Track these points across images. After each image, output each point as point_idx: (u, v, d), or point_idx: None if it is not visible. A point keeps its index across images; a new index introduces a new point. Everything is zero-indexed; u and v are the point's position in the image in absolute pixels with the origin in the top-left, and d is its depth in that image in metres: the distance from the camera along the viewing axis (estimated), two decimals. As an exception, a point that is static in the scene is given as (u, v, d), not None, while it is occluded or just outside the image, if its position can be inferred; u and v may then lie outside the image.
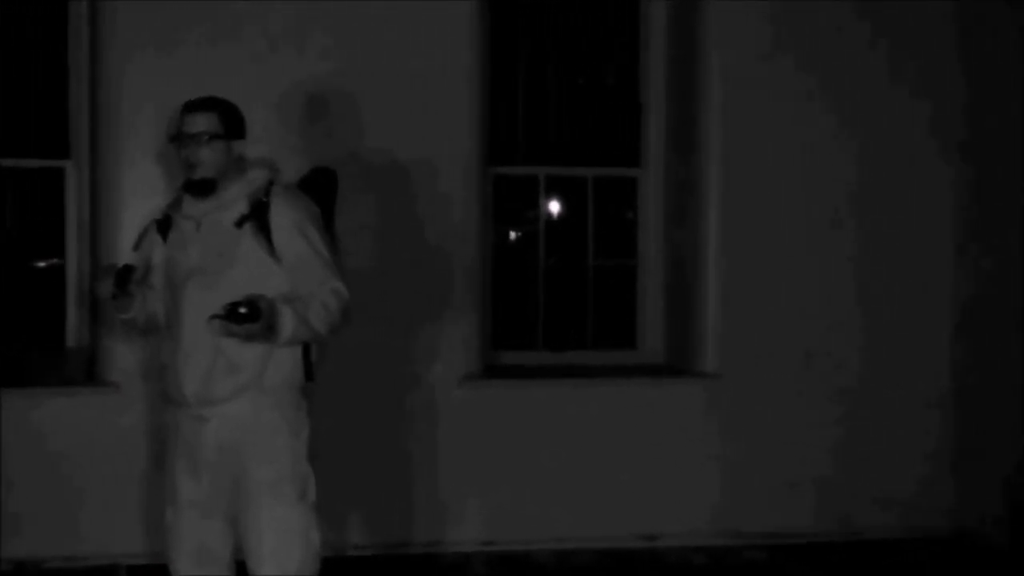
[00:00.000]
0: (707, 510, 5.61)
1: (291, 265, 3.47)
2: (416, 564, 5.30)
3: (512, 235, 6.06)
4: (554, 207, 6.03)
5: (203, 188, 3.50)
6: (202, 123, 3.48)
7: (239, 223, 3.46)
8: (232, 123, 3.53)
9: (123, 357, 5.06)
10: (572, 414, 5.52)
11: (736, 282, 5.61)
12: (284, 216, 3.47)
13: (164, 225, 3.61)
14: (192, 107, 3.52)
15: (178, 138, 3.51)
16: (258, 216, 3.46)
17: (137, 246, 3.71)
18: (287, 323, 3.33)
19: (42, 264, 5.60)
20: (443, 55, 5.34)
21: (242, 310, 3.23)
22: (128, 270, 3.50)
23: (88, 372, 5.31)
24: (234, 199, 3.49)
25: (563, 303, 6.00)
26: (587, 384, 5.63)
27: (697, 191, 5.64)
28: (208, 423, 3.46)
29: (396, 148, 5.29)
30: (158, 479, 3.68)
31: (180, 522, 3.55)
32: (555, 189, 6.00)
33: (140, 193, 5.01)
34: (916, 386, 5.74)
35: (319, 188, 3.74)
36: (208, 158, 3.47)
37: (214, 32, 5.14)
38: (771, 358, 5.64)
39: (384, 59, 5.28)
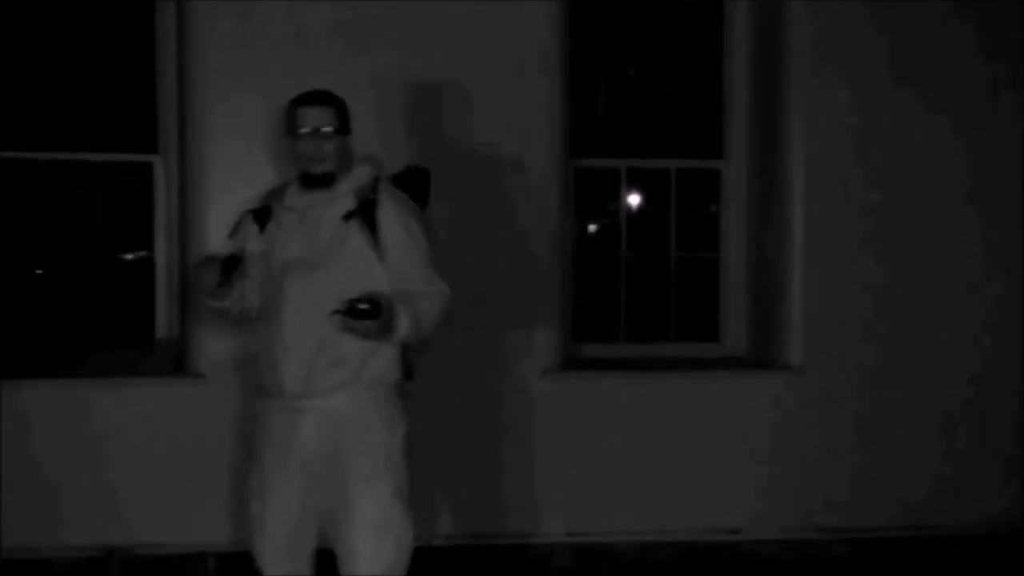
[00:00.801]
0: (790, 504, 5.57)
1: (396, 263, 3.49)
2: (501, 555, 5.32)
3: (594, 228, 6.05)
4: (636, 199, 6.01)
5: (325, 182, 3.52)
6: (324, 118, 3.51)
7: (346, 217, 3.48)
8: (346, 118, 3.58)
9: (211, 349, 5.13)
10: (654, 407, 5.51)
11: (820, 274, 5.55)
12: (392, 214, 3.50)
13: (262, 216, 3.62)
14: (311, 101, 3.54)
15: (295, 132, 3.52)
16: (365, 212, 3.48)
17: (233, 234, 3.70)
18: (403, 322, 3.34)
19: (131, 257, 5.70)
20: (525, 49, 5.35)
21: (363, 306, 3.23)
22: (235, 259, 3.50)
23: (177, 364, 5.38)
24: (341, 193, 3.52)
25: (645, 296, 5.98)
26: (669, 377, 5.61)
27: (781, 182, 5.59)
28: (305, 416, 3.47)
29: (478, 143, 5.31)
30: (245, 470, 3.68)
31: (268, 515, 3.55)
32: (637, 181, 5.98)
33: (226, 187, 5.09)
34: (1000, 382, 5.66)
35: (413, 185, 3.75)
36: (330, 153, 3.50)
37: (298, 30, 5.19)
38: (856, 351, 5.59)
39: (466, 54, 5.30)
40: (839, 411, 5.58)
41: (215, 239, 5.07)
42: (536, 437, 5.39)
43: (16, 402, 5.12)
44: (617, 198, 5.95)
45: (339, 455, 3.47)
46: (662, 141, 5.95)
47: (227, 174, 5.13)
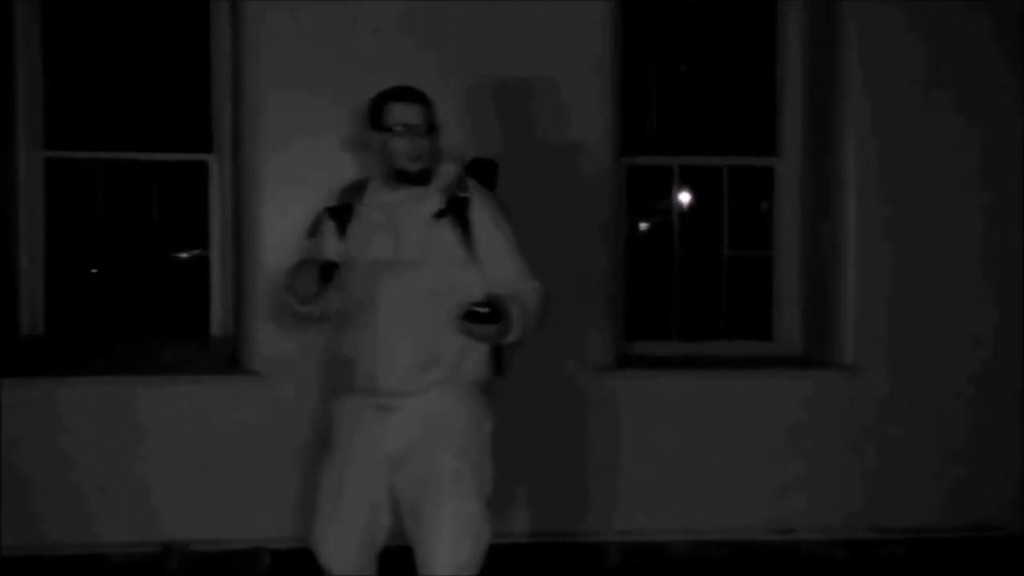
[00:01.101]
0: (845, 504, 5.52)
1: (490, 261, 3.50)
2: (553, 552, 5.32)
3: (646, 225, 6.03)
4: (688, 197, 5.99)
5: (421, 179, 3.51)
6: (421, 114, 3.50)
7: (437, 216, 3.48)
8: (435, 115, 3.56)
9: (266, 346, 5.16)
10: (706, 405, 5.48)
11: (875, 272, 5.51)
12: (484, 212, 3.51)
13: (341, 214, 3.61)
14: (408, 97, 3.53)
15: (389, 128, 3.49)
16: (456, 210, 3.49)
17: (312, 234, 3.68)
18: (517, 323, 3.37)
19: (186, 255, 5.74)
20: (576, 48, 5.34)
21: (483, 311, 3.25)
22: (333, 267, 3.47)
23: (231, 361, 5.42)
24: (431, 191, 3.51)
25: (697, 293, 5.95)
26: (721, 375, 5.58)
27: (836, 180, 5.55)
28: (396, 413, 3.46)
29: (530, 142, 5.30)
30: (304, 466, 3.69)
31: (342, 513, 3.53)
32: (689, 179, 5.95)
33: (280, 185, 5.13)
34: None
35: (481, 177, 3.73)
36: (426, 150, 3.49)
37: (352, 31, 5.20)
38: (911, 349, 5.54)
39: (517, 54, 5.30)
40: (893, 410, 5.53)
41: (269, 237, 5.13)
42: (588, 435, 5.38)
43: (73, 399, 5.18)
44: (669, 196, 5.93)
45: (428, 453, 3.47)
46: (714, 139, 5.91)
47: (281, 172, 5.15)
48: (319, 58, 5.18)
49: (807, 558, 5.36)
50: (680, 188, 5.95)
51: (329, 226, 3.62)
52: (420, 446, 3.47)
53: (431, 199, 3.51)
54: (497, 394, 3.67)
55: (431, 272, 3.45)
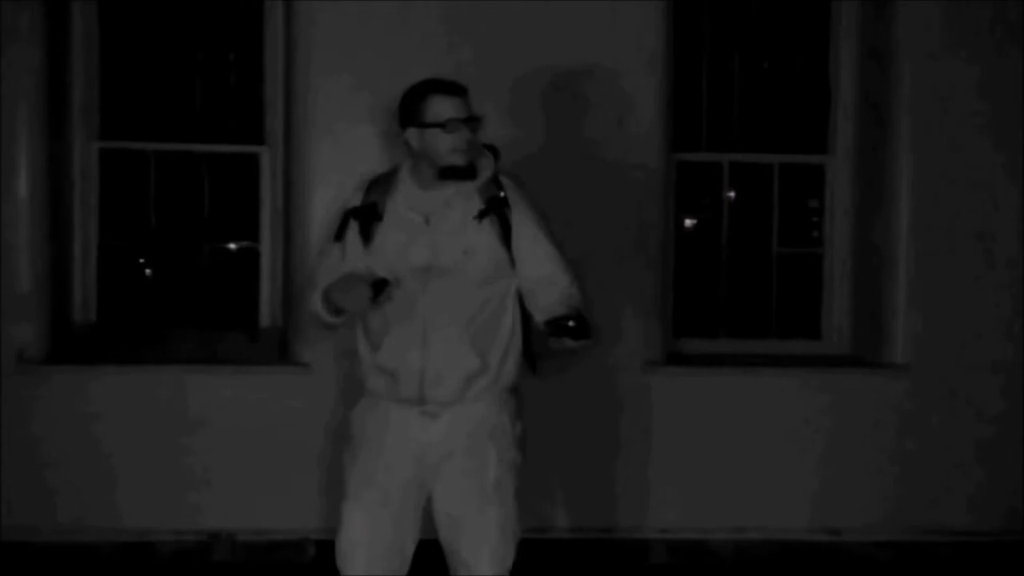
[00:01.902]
0: (892, 505, 5.50)
1: (535, 261, 3.41)
2: (597, 548, 5.32)
3: (695, 222, 6.00)
4: (738, 194, 5.95)
5: (469, 173, 3.37)
6: (466, 106, 3.37)
7: (480, 216, 3.37)
8: (473, 106, 3.43)
9: (316, 338, 5.17)
10: (754, 403, 5.47)
11: (926, 271, 5.48)
12: (525, 214, 3.42)
13: (367, 215, 3.43)
14: (452, 90, 3.38)
15: (434, 122, 3.33)
16: (497, 209, 3.38)
17: (339, 237, 3.47)
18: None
19: (236, 246, 5.78)
20: (628, 43, 5.32)
21: (571, 324, 3.17)
22: (385, 283, 3.29)
23: (281, 353, 5.45)
24: (466, 190, 3.39)
25: (746, 291, 5.92)
26: (769, 373, 5.56)
27: (887, 178, 5.51)
28: (438, 420, 3.37)
29: (580, 137, 5.30)
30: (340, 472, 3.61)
31: (374, 521, 3.41)
32: (739, 176, 5.91)
33: (330, 177, 5.13)
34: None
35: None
36: (473, 143, 3.37)
37: (401, 25, 5.21)
38: (961, 349, 5.49)
39: (569, 48, 5.29)
40: (944, 410, 5.49)
41: (318, 229, 5.13)
42: (634, 431, 5.38)
43: (123, 388, 5.24)
44: (719, 192, 5.90)
45: (471, 463, 3.40)
46: (765, 136, 5.88)
47: (331, 165, 5.17)
48: (368, 51, 5.19)
49: (852, 559, 5.34)
50: (730, 185, 5.91)
51: (355, 234, 3.45)
52: (463, 455, 3.39)
53: (471, 199, 3.39)
54: (523, 394, 3.59)
55: (475, 276, 3.35)
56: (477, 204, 3.39)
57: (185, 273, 5.72)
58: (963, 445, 5.49)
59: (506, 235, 3.39)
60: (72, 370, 5.25)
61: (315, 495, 5.15)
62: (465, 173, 3.38)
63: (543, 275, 3.44)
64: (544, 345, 3.43)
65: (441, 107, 3.34)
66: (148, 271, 5.79)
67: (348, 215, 3.47)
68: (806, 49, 5.87)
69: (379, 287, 3.26)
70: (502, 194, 3.42)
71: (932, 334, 5.48)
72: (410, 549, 3.48)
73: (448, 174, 3.37)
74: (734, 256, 5.90)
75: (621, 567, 5.23)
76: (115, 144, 5.58)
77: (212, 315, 5.70)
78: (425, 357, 3.33)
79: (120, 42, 5.59)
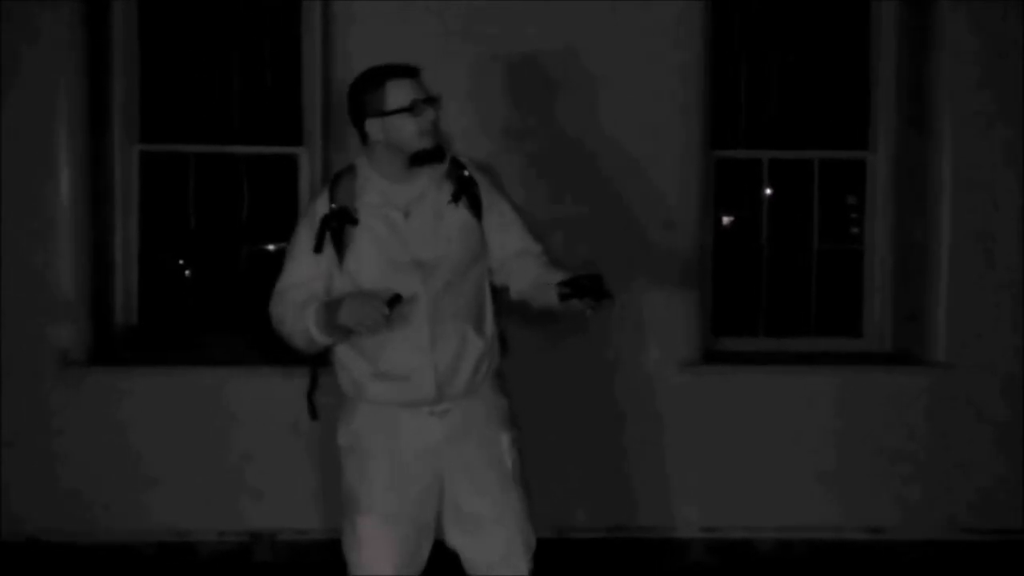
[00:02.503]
0: (934, 504, 5.45)
1: (501, 233, 3.42)
2: (637, 548, 5.31)
3: (734, 219, 5.97)
4: (778, 191, 5.91)
5: (438, 155, 3.31)
6: (426, 87, 3.30)
7: (454, 199, 3.34)
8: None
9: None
10: (793, 401, 5.43)
11: (968, 269, 5.42)
12: (488, 189, 3.43)
13: (344, 219, 3.30)
14: (411, 72, 3.30)
15: (397, 107, 3.24)
16: (467, 190, 3.37)
17: (319, 248, 3.33)
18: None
19: (275, 248, 5.80)
20: (666, 39, 5.31)
21: (584, 282, 3.10)
22: (399, 299, 3.16)
23: (320, 353, 5.39)
24: (435, 178, 3.34)
25: (786, 289, 5.88)
26: (809, 371, 5.52)
27: (929, 174, 5.45)
28: (447, 417, 3.34)
29: (618, 134, 5.28)
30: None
31: (394, 531, 3.36)
32: (779, 172, 5.87)
33: None
34: None
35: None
36: (437, 124, 3.31)
37: (439, 26, 5.21)
38: (1004, 347, 5.44)
39: (606, 44, 5.28)
40: (986, 409, 5.44)
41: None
42: (674, 430, 5.36)
43: (164, 388, 5.27)
44: (759, 189, 5.86)
45: (487, 448, 3.38)
46: (804, 132, 5.83)
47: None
48: (406, 51, 5.14)
49: (895, 558, 5.30)
50: (770, 181, 5.87)
51: (328, 246, 3.32)
52: (479, 446, 3.38)
53: (442, 185, 3.35)
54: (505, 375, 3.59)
55: (462, 260, 3.33)
56: (448, 188, 3.36)
57: (224, 275, 5.74)
58: (1008, 443, 5.43)
59: (478, 214, 3.38)
60: (113, 371, 5.29)
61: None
62: (436, 155, 3.31)
63: (519, 247, 3.46)
64: (542, 309, 3.40)
65: (402, 91, 3.26)
66: (188, 273, 5.82)
67: (325, 222, 3.32)
68: (846, 43, 5.81)
69: (393, 303, 3.13)
70: (466, 173, 3.40)
71: (975, 331, 5.43)
72: (426, 552, 3.45)
73: (421, 158, 3.30)
74: (774, 253, 5.87)
75: (660, 566, 5.22)
76: (155, 147, 5.61)
77: (251, 316, 5.71)
78: (437, 352, 3.27)
79: (159, 44, 5.62)
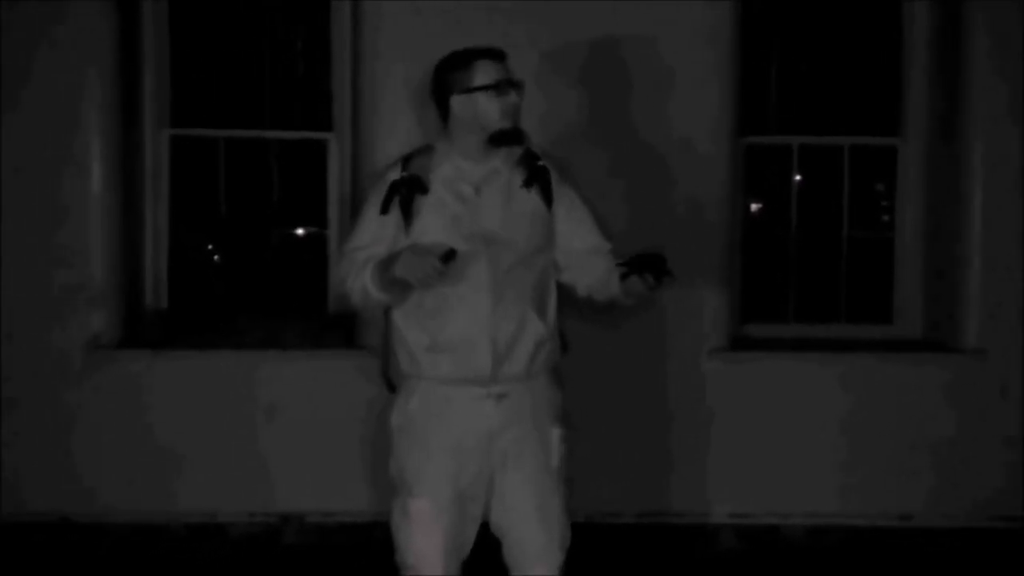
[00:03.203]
0: (965, 491, 5.43)
1: (573, 227, 3.43)
2: (666, 534, 5.31)
3: (763, 206, 5.94)
4: (807, 177, 5.88)
5: (517, 137, 3.35)
6: (511, 70, 3.35)
7: (526, 184, 3.37)
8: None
9: (382, 323, 5.18)
10: (823, 388, 5.42)
11: (999, 255, 5.39)
12: (562, 182, 3.45)
13: (415, 187, 3.33)
14: (495, 54, 3.35)
15: (481, 86, 3.29)
16: (540, 178, 3.39)
17: (386, 209, 3.34)
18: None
19: (304, 232, 5.82)
20: (695, 24, 5.29)
21: (644, 259, 3.09)
22: (454, 254, 3.12)
23: (347, 337, 5.48)
24: (508, 161, 3.38)
25: (816, 275, 5.86)
26: (838, 358, 5.49)
27: (961, 160, 5.42)
28: (503, 401, 3.32)
29: (647, 119, 5.28)
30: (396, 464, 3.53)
31: (443, 514, 3.34)
32: (809, 158, 5.84)
33: None
34: None
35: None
36: (519, 108, 3.34)
37: (467, 13, 5.20)
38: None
39: (635, 29, 5.27)
40: (1017, 396, 5.40)
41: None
42: (702, 417, 5.35)
43: (193, 372, 5.30)
44: (789, 175, 5.83)
45: (537, 442, 3.37)
46: (834, 117, 5.80)
47: (398, 150, 5.12)
48: (434, 38, 5.16)
49: (924, 545, 5.26)
50: (800, 167, 5.84)
51: (396, 210, 3.33)
52: (531, 438, 3.36)
53: (515, 170, 3.38)
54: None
55: (530, 243, 3.33)
56: (521, 173, 3.39)
57: (254, 259, 5.77)
58: (1038, 430, 5.40)
59: (549, 204, 3.40)
60: (144, 355, 5.32)
61: (384, 478, 5.16)
62: (517, 137, 3.35)
63: (588, 244, 3.46)
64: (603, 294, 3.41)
65: (489, 70, 3.31)
66: (217, 257, 5.84)
67: (394, 187, 3.36)
68: (878, 28, 5.78)
69: (447, 258, 3.11)
70: (540, 162, 3.43)
71: (1006, 317, 5.40)
72: (472, 536, 3.44)
73: (500, 138, 3.32)
74: (803, 240, 5.84)
75: (689, 552, 5.21)
76: (185, 131, 5.64)
77: (280, 300, 5.74)
78: (496, 327, 3.26)
79: (190, 30, 5.65)
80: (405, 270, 3.16)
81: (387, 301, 3.35)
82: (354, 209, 5.41)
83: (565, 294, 3.52)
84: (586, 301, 3.52)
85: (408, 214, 3.31)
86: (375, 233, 3.37)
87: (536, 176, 3.40)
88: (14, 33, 5.15)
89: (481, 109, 3.31)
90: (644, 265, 3.11)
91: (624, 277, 3.19)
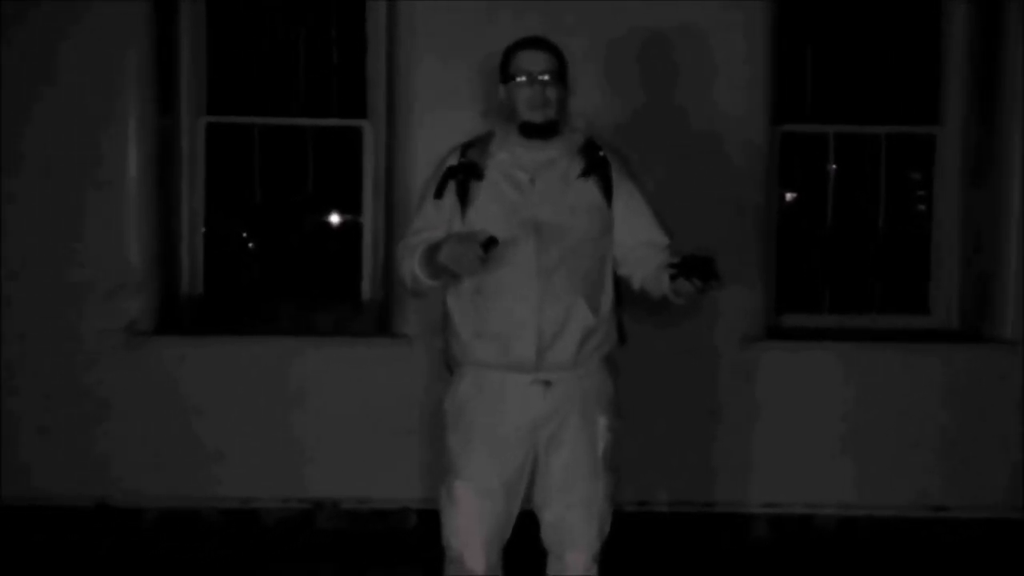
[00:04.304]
0: (1001, 481, 5.38)
1: (631, 220, 3.42)
2: (699, 522, 5.31)
3: (799, 195, 5.91)
4: (843, 166, 5.84)
5: (547, 131, 3.35)
6: (549, 62, 3.34)
7: (584, 175, 3.38)
8: (565, 67, 3.41)
9: (416, 311, 5.20)
10: (857, 378, 5.38)
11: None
12: (623, 175, 3.44)
13: (471, 173, 3.38)
14: (536, 44, 3.38)
15: (513, 78, 3.35)
16: (599, 169, 3.39)
17: (440, 194, 3.39)
18: None
19: (339, 220, 5.83)
20: (731, 12, 5.26)
21: (693, 261, 3.08)
22: (495, 242, 3.16)
23: (381, 324, 5.50)
24: (567, 150, 3.39)
25: (852, 265, 5.82)
26: (873, 348, 5.46)
27: (999, 149, 5.38)
28: (551, 389, 3.35)
29: (682, 108, 5.25)
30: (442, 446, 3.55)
31: (493, 501, 3.39)
32: (845, 147, 5.80)
33: (432, 150, 5.07)
34: None
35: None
36: (552, 100, 3.33)
37: (504, 8, 5.14)
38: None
39: (671, 19, 5.24)
40: (1054, 388, 5.36)
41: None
42: (737, 406, 5.34)
43: (229, 358, 5.33)
44: (824, 164, 5.79)
45: (583, 430, 3.39)
46: (871, 106, 5.75)
47: (433, 137, 5.12)
48: (468, 27, 5.18)
49: (958, 536, 5.24)
50: (836, 156, 5.80)
51: (450, 188, 3.39)
52: (576, 426, 3.38)
53: (571, 158, 3.38)
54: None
55: (583, 233, 3.33)
56: (580, 163, 3.39)
57: (289, 246, 5.79)
58: (1076, 423, 5.36)
59: (608, 196, 3.40)
60: (180, 341, 5.36)
61: (416, 465, 5.20)
62: (542, 130, 3.35)
63: (645, 237, 3.45)
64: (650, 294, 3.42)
65: (523, 61, 3.36)
66: (253, 244, 5.87)
67: (449, 173, 3.41)
68: (915, 15, 5.72)
69: (489, 246, 3.15)
70: (601, 153, 3.43)
71: (1044, 309, 5.36)
72: (513, 520, 3.48)
73: (527, 131, 3.35)
74: (839, 229, 5.80)
75: (722, 541, 5.21)
76: (222, 119, 5.65)
77: (315, 287, 5.76)
78: (543, 314, 3.28)
79: (226, 17, 5.66)
80: (448, 258, 3.22)
81: (436, 286, 3.41)
82: (388, 195, 5.45)
83: (625, 287, 3.54)
84: (640, 295, 3.51)
85: (464, 200, 3.36)
86: (431, 219, 3.43)
87: (595, 167, 3.40)
88: (49, 19, 5.17)
89: (512, 98, 3.37)
90: (692, 268, 3.10)
91: (673, 278, 3.19)
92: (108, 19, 5.19)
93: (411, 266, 3.38)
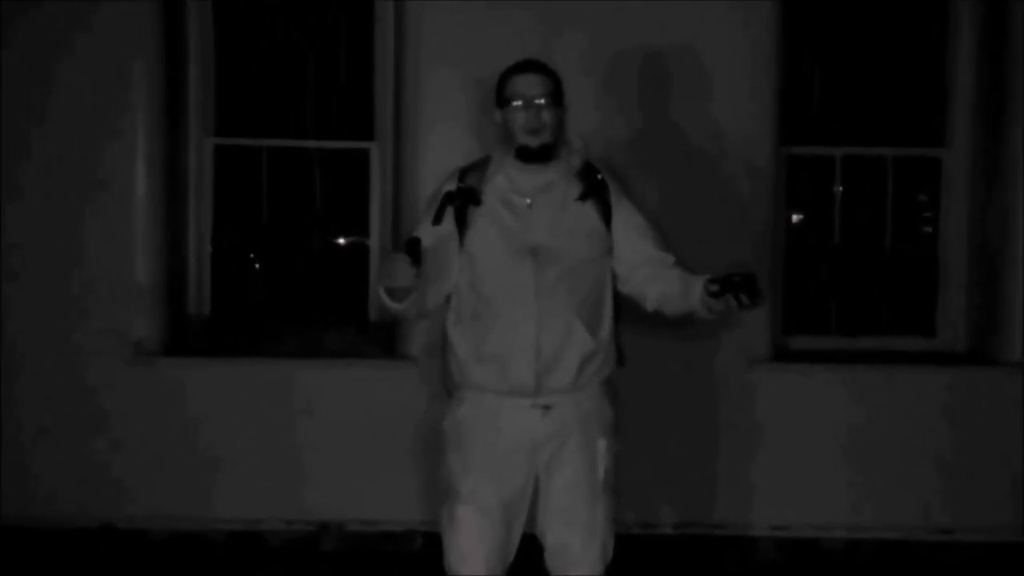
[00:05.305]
0: (1008, 505, 5.36)
1: (633, 241, 3.42)
2: (705, 545, 5.29)
3: (805, 217, 5.91)
4: (850, 187, 5.84)
5: (543, 155, 3.34)
6: (544, 85, 3.33)
7: (582, 198, 3.38)
8: (560, 89, 3.40)
9: (422, 333, 5.20)
10: (865, 400, 5.37)
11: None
12: (621, 196, 3.45)
13: (469, 198, 3.36)
14: (530, 68, 3.37)
15: (508, 102, 3.34)
16: (598, 192, 3.40)
17: (438, 219, 3.33)
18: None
19: (346, 241, 5.84)
20: (737, 32, 5.27)
21: (736, 279, 3.06)
22: (416, 243, 3.09)
23: (388, 346, 5.49)
24: (564, 173, 3.40)
25: (859, 287, 5.81)
26: (880, 370, 5.44)
27: (1006, 171, 5.38)
28: (549, 413, 3.34)
29: (687, 129, 5.26)
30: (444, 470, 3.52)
31: (485, 522, 3.36)
32: (851, 169, 5.80)
33: (439, 172, 5.08)
34: None
35: None
36: (547, 123, 3.32)
37: (507, 22, 5.19)
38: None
39: (677, 36, 5.25)
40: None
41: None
42: (744, 428, 5.32)
43: (236, 379, 5.33)
44: (831, 186, 5.79)
45: (582, 452, 3.38)
46: (878, 128, 5.76)
47: (440, 160, 5.15)
48: (477, 48, 5.20)
49: (965, 559, 5.23)
50: (843, 178, 5.79)
51: (448, 214, 3.35)
52: (576, 449, 3.37)
53: (571, 182, 3.38)
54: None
55: (581, 257, 3.34)
56: (577, 187, 3.40)
57: (296, 267, 5.79)
58: (1084, 446, 5.34)
59: (606, 219, 3.40)
60: (186, 362, 5.36)
61: (422, 487, 5.18)
62: (537, 155, 3.34)
63: (650, 255, 3.44)
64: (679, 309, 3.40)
65: (518, 85, 3.35)
66: (260, 265, 5.87)
67: (447, 198, 3.37)
68: (922, 37, 5.73)
69: (413, 248, 3.06)
70: (599, 176, 3.44)
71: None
72: (516, 543, 3.46)
73: (524, 155, 3.34)
74: (846, 251, 5.80)
75: (728, 564, 5.19)
76: (229, 140, 5.67)
77: (322, 308, 5.76)
78: (541, 338, 3.27)
79: (234, 40, 5.68)
80: (383, 278, 3.19)
81: (402, 308, 3.31)
82: (396, 217, 5.46)
83: (630, 306, 3.53)
84: (654, 314, 3.50)
85: (462, 225, 3.35)
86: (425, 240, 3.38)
87: (593, 190, 3.41)
88: (56, 32, 5.21)
89: (511, 124, 3.36)
90: (738, 285, 3.08)
91: (715, 295, 3.16)
92: (117, 39, 5.22)
93: (377, 292, 3.34)
